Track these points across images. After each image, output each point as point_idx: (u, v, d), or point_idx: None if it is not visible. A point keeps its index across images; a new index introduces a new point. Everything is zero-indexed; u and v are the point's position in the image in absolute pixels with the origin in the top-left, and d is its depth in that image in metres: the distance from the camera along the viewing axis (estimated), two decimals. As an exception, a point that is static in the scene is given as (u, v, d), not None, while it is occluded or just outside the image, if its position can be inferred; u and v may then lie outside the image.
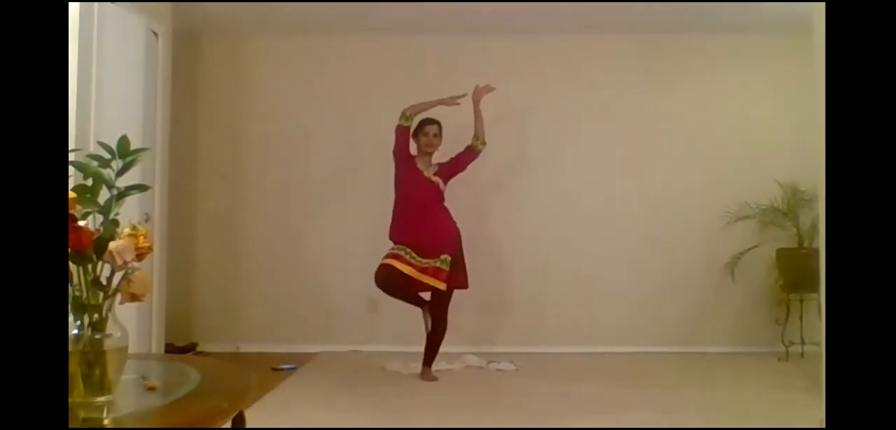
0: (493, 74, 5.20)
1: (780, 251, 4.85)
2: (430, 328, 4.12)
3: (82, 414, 1.47)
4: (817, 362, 3.60)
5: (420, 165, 4.15)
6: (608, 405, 3.56)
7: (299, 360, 4.57)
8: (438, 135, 4.18)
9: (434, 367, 4.23)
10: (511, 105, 5.20)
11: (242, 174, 5.25)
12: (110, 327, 1.56)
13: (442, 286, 4.02)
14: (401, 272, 3.97)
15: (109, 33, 3.77)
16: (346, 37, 5.21)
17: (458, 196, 5.11)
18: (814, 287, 4.28)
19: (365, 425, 3.24)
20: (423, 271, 4.00)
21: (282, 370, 4.17)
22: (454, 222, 4.18)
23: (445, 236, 4.10)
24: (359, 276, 4.58)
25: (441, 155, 4.28)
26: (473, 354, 4.63)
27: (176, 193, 4.78)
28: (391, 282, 4.00)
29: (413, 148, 4.19)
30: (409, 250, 4.03)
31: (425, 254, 4.02)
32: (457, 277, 4.10)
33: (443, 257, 4.03)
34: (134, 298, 1.57)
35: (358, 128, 5.13)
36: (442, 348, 4.32)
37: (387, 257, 4.05)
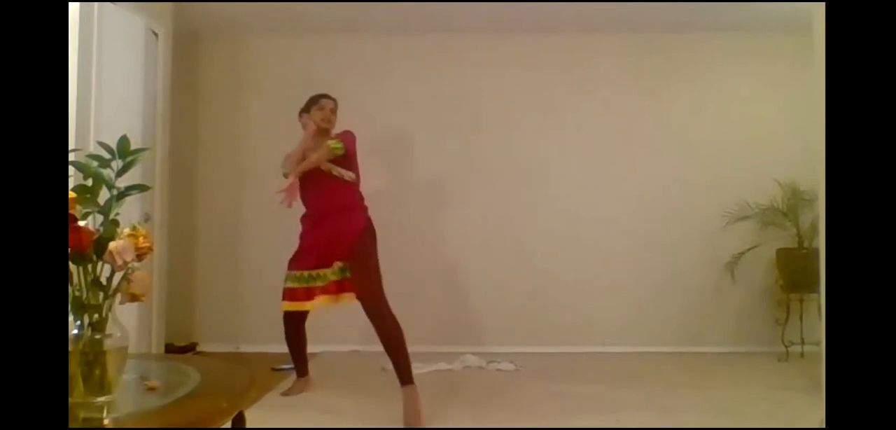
0: (493, 73, 5.25)
1: (780, 251, 4.85)
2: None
3: (82, 414, 1.47)
4: (817, 362, 3.60)
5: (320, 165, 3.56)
6: (608, 405, 3.55)
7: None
8: (335, 111, 3.79)
9: (433, 367, 4.23)
10: (511, 105, 5.22)
11: (242, 174, 5.25)
12: (110, 327, 1.56)
13: (331, 303, 3.52)
14: (297, 312, 3.55)
15: (109, 33, 3.78)
16: (346, 37, 5.21)
17: (457, 197, 5.15)
18: (814, 287, 4.29)
19: (365, 425, 3.24)
20: (310, 293, 3.48)
21: (282, 370, 4.17)
22: (358, 222, 3.50)
23: (339, 237, 3.45)
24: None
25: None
26: (473, 354, 4.63)
27: (176, 193, 4.79)
28: (295, 325, 3.62)
29: (308, 124, 3.75)
30: (298, 273, 3.53)
31: (317, 265, 3.48)
32: (356, 284, 3.42)
33: (335, 265, 3.46)
34: (134, 298, 1.58)
35: (358, 128, 5.12)
36: (442, 349, 4.30)
37: (283, 298, 3.56)
